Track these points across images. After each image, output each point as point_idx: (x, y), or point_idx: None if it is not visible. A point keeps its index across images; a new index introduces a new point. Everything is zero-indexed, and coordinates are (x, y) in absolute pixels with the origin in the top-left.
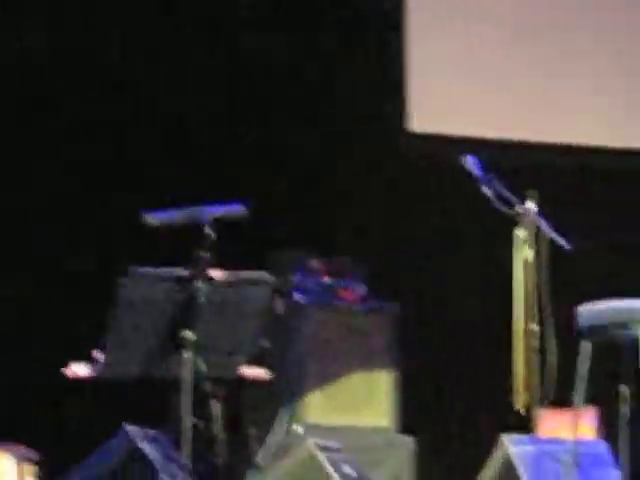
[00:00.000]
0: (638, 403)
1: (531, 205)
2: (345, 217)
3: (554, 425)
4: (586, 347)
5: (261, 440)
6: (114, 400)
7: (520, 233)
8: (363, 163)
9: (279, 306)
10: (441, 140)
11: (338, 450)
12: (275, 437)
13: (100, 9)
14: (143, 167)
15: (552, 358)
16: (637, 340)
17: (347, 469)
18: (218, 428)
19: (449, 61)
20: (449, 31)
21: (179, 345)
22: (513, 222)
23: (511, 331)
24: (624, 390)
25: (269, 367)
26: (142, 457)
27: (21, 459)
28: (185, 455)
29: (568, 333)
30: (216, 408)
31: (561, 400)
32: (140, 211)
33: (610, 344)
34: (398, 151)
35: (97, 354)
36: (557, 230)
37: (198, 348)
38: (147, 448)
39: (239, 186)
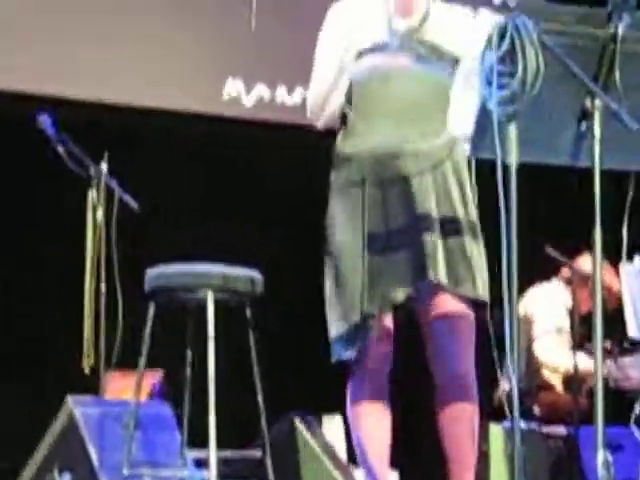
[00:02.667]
0: (200, 366)
1: (104, 166)
2: None
3: (120, 387)
4: (152, 309)
5: None
6: None
7: (92, 194)
8: None
9: None
10: (15, 97)
11: None
12: None
13: None
14: None
15: (119, 320)
16: (202, 304)
17: None
18: None
19: (25, 15)
20: None
21: None
22: (86, 183)
23: (82, 292)
24: (189, 353)
25: None
26: None
27: None
28: None
29: (138, 295)
30: None
31: (127, 362)
32: None
33: (178, 307)
34: None
35: None
36: (128, 191)
37: None
38: None
39: None
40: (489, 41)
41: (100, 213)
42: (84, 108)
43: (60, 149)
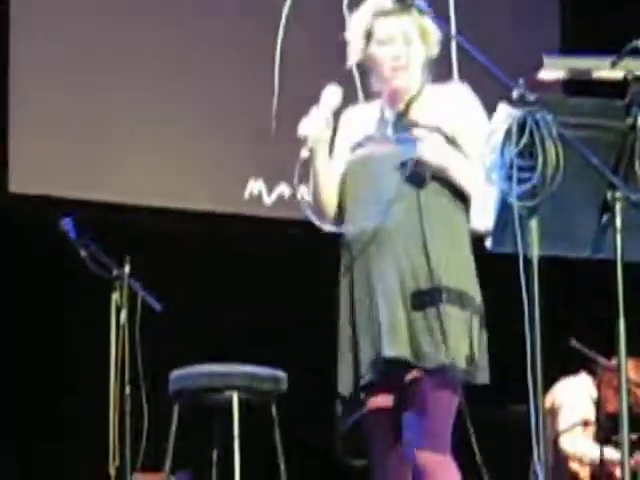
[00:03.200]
0: (227, 466)
1: (126, 268)
2: None
3: None
4: (176, 411)
5: None
6: None
7: (115, 296)
8: None
9: None
10: (39, 200)
11: None
12: None
13: None
14: None
15: (144, 421)
16: (227, 404)
17: None
18: None
19: (48, 121)
20: (48, 92)
21: None
22: (109, 285)
23: (107, 394)
24: (214, 453)
25: None
26: None
27: None
28: None
29: (163, 396)
30: None
31: (154, 463)
32: None
33: (203, 408)
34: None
35: None
36: (152, 293)
37: None
38: None
39: None
40: (508, 135)
41: (124, 315)
42: (106, 210)
43: (82, 252)
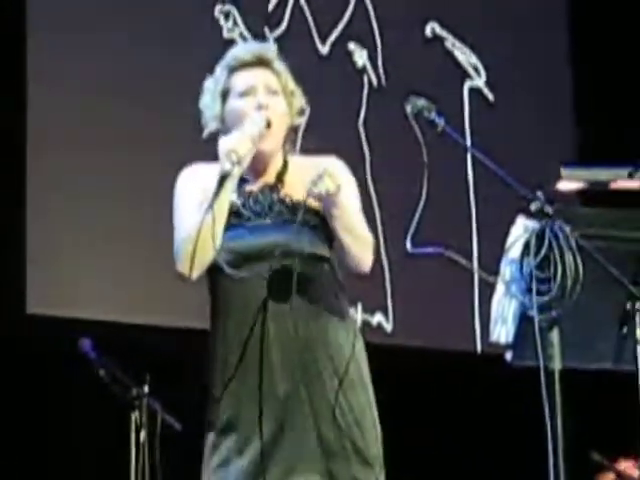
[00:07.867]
0: None
1: (145, 388)
2: None
3: None
4: None
5: None
6: None
7: (134, 416)
8: None
9: None
10: (57, 322)
11: None
12: None
13: None
14: None
15: None
16: None
17: None
18: None
19: (63, 242)
20: (65, 216)
21: None
22: (128, 405)
23: None
24: None
25: None
26: None
27: None
28: None
29: None
30: None
31: None
32: None
33: None
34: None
35: None
36: (170, 412)
37: None
38: None
39: None
40: (527, 247)
41: (143, 434)
42: (125, 331)
43: (102, 372)
